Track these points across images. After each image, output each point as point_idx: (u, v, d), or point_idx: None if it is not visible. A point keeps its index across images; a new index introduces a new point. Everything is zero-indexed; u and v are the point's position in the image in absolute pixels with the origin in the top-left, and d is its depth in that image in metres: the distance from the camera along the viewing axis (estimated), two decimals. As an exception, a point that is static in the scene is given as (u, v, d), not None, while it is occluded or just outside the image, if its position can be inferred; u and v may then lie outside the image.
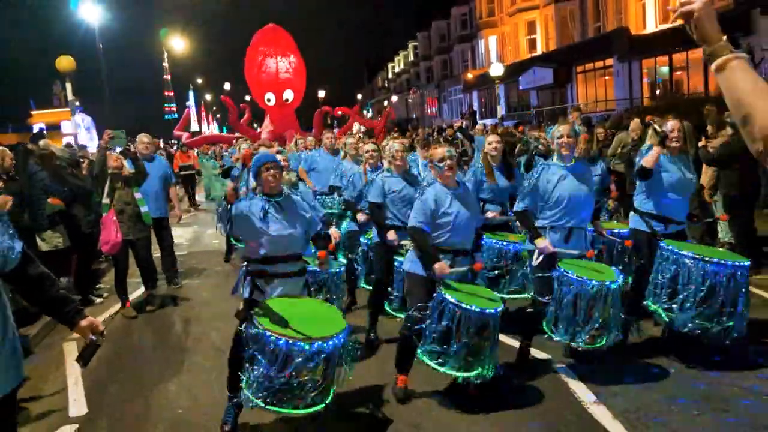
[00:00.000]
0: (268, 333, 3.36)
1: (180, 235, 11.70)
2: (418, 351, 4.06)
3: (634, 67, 24.67)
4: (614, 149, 9.34)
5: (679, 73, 23.00)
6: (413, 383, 4.35)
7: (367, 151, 6.21)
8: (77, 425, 4.24)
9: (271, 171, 3.93)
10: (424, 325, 4.02)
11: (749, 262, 4.41)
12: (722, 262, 4.30)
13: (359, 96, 61.31)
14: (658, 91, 23.88)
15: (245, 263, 3.97)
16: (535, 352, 4.88)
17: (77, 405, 4.55)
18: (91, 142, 18.72)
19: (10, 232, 2.51)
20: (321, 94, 51.08)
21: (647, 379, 4.39)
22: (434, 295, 4.04)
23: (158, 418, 4.29)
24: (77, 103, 18.57)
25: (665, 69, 23.53)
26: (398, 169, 5.36)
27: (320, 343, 3.36)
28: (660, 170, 4.80)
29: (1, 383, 2.43)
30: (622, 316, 4.51)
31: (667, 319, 4.53)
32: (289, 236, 3.88)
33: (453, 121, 33.06)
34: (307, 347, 3.33)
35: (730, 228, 7.15)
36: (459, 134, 15.27)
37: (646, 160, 4.79)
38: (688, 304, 4.34)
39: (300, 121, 24.92)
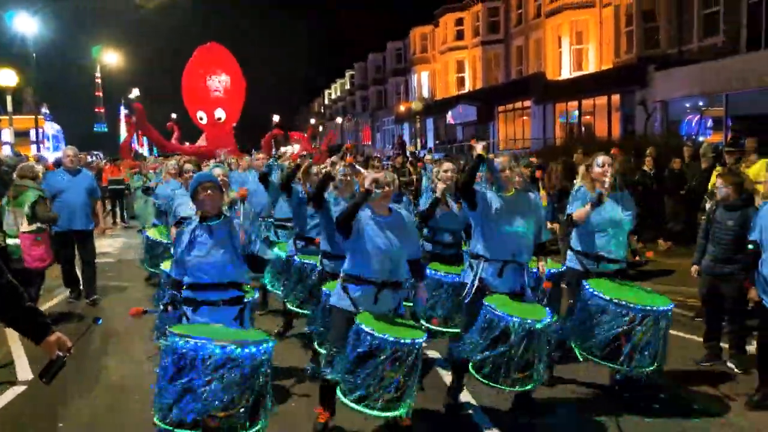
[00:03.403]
0: (177, 339, 3.12)
1: (110, 244, 12.23)
2: (338, 391, 3.72)
3: (548, 109, 26.76)
4: None
5: (587, 117, 25.15)
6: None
7: (316, 173, 5.71)
8: (26, 386, 4.99)
9: (209, 192, 3.73)
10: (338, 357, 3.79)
11: (672, 305, 4.41)
12: (639, 306, 4.27)
13: (312, 120, 61.77)
14: (576, 131, 25.80)
15: (167, 286, 3.84)
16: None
17: (23, 371, 5.30)
18: (58, 151, 18.60)
19: None
20: (275, 119, 50.89)
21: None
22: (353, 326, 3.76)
23: (96, 381, 5.08)
24: (47, 111, 18.62)
25: (575, 112, 25.65)
26: (343, 193, 5.08)
27: (233, 348, 3.09)
28: (597, 207, 4.66)
29: None
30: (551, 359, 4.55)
31: (581, 359, 4.52)
32: (214, 263, 3.66)
33: (386, 150, 34.38)
34: (218, 351, 3.07)
35: None
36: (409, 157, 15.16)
37: (578, 215, 4.74)
38: (602, 345, 4.32)
39: (252, 142, 24.49)
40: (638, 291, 4.67)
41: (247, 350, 3.13)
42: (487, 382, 4.06)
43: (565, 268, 5.19)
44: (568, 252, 5.03)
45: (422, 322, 4.78)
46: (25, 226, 6.60)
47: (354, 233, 3.96)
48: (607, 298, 4.36)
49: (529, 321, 3.97)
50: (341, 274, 4.12)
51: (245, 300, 3.88)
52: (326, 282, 4.84)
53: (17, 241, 6.52)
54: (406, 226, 4.14)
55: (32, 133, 22.02)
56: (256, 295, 5.19)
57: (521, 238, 4.40)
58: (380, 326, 3.69)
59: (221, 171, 5.34)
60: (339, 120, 56.81)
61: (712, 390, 5.01)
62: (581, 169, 4.98)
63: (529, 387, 4.13)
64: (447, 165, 5.67)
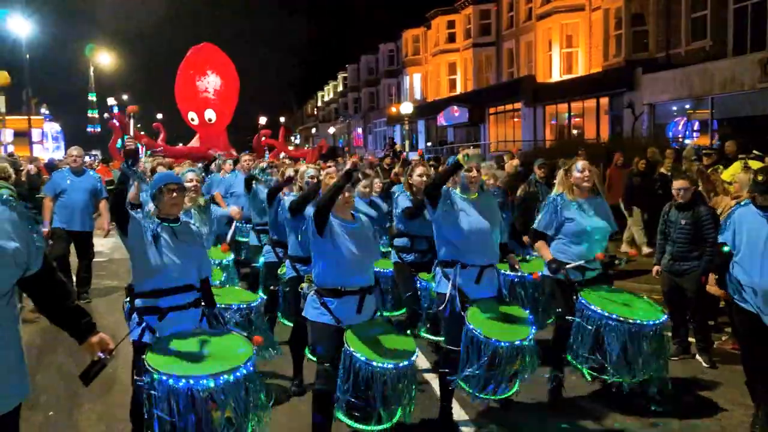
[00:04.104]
0: (164, 377, 3.00)
1: (102, 243, 12.28)
2: (336, 410, 3.66)
3: (538, 111, 26.99)
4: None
5: (577, 119, 25.39)
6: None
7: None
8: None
9: (174, 194, 3.63)
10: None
11: (665, 318, 4.44)
12: (641, 322, 4.26)
13: (282, 119, 61.73)
14: (567, 134, 26.03)
15: (128, 299, 3.60)
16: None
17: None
18: (57, 151, 18.63)
19: (38, 232, 2.42)
20: (262, 120, 50.65)
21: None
22: (341, 348, 3.66)
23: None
24: (46, 112, 18.70)
25: (564, 115, 25.88)
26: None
27: (225, 377, 3.04)
28: (571, 217, 4.62)
29: (13, 395, 2.35)
30: (551, 371, 4.57)
31: (589, 378, 4.44)
32: (182, 266, 3.55)
33: (377, 152, 34.51)
34: (212, 384, 3.00)
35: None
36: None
37: (539, 250, 4.73)
38: (609, 361, 4.24)
39: (243, 144, 24.49)
40: (630, 300, 4.61)
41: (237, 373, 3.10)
42: (477, 394, 4.06)
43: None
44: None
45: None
46: None
47: (326, 234, 3.81)
48: (607, 314, 4.27)
49: (517, 343, 3.97)
50: (315, 288, 3.93)
51: (252, 304, 3.96)
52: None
53: None
54: (369, 230, 4.06)
55: (34, 133, 21.98)
56: (262, 298, 5.10)
57: (490, 240, 4.36)
58: (370, 351, 3.58)
59: (194, 176, 5.23)
60: (331, 130, 56.81)
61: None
62: (559, 173, 4.85)
63: (512, 392, 4.17)
64: (420, 169, 5.64)
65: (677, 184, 5.73)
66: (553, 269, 4.53)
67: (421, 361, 5.67)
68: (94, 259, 8.49)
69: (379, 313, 4.11)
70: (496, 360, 3.95)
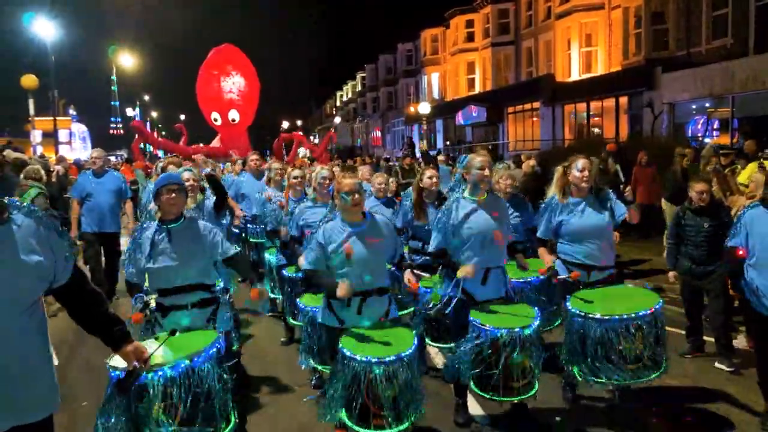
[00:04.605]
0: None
1: (123, 241, 12.53)
2: (341, 412, 3.58)
3: (557, 110, 26.92)
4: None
5: (596, 119, 25.30)
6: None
7: (295, 177, 5.84)
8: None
9: (173, 195, 3.67)
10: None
11: (661, 302, 4.19)
12: (630, 315, 4.03)
13: (299, 122, 62.56)
14: (585, 133, 25.94)
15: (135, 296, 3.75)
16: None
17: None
18: (85, 151, 18.96)
19: (69, 241, 2.42)
20: (285, 125, 50.92)
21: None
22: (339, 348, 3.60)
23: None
24: (74, 113, 19.10)
25: (583, 114, 25.80)
26: (323, 198, 4.99)
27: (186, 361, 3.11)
28: (572, 215, 4.57)
29: (42, 406, 2.33)
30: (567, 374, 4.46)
31: (580, 378, 4.30)
32: (178, 267, 3.62)
33: (395, 152, 34.66)
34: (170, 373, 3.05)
35: None
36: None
37: (542, 255, 4.70)
38: (599, 362, 4.07)
39: (262, 145, 24.72)
40: (622, 293, 4.46)
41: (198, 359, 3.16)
42: (489, 396, 4.03)
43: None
44: (556, 261, 4.77)
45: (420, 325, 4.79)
46: None
47: (331, 258, 3.81)
48: (593, 315, 4.08)
49: (516, 330, 3.91)
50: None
51: (220, 300, 3.89)
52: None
53: None
54: (381, 230, 3.94)
55: (62, 134, 22.35)
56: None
57: (496, 242, 4.28)
58: (365, 346, 3.54)
59: (191, 175, 5.25)
60: (337, 119, 56.77)
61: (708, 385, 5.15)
62: (558, 170, 4.73)
63: (531, 393, 4.05)
64: (430, 172, 5.62)
65: (699, 187, 5.61)
66: (551, 275, 4.52)
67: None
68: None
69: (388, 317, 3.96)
70: (498, 351, 3.90)
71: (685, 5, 19.77)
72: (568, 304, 4.31)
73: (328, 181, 4.98)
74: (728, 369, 5.45)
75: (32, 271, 2.21)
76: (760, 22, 17.15)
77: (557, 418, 4.65)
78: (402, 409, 3.46)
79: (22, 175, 7.47)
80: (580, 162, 4.58)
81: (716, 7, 18.65)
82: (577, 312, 4.19)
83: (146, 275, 3.73)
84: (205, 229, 3.80)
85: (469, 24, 36.39)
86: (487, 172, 4.28)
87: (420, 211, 5.42)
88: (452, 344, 4.44)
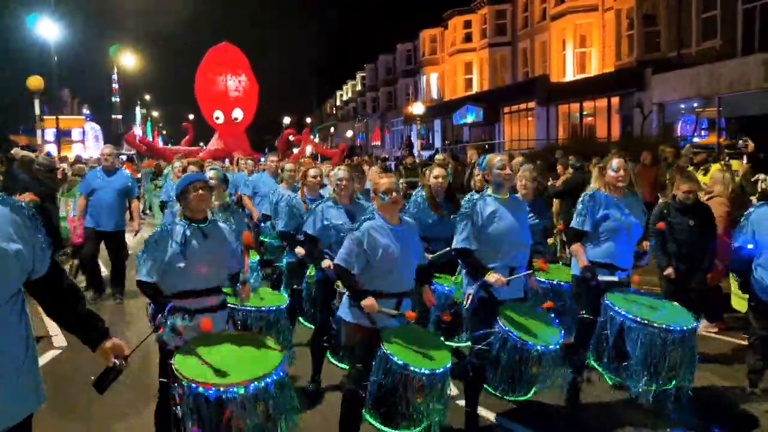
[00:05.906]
0: (194, 385, 2.96)
1: (127, 238, 12.88)
2: (365, 411, 3.61)
3: (551, 111, 27.35)
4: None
5: (589, 119, 25.72)
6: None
7: (314, 176, 5.74)
8: (61, 350, 5.68)
9: (200, 192, 3.51)
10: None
11: (697, 324, 4.23)
12: (671, 327, 4.05)
13: (308, 120, 63.10)
14: (579, 132, 26.30)
15: (153, 302, 3.52)
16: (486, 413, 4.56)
17: (58, 339, 6.00)
18: (98, 150, 19.33)
19: (43, 233, 2.31)
20: (286, 120, 50.79)
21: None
22: (376, 349, 3.60)
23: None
24: (87, 112, 19.46)
25: (577, 114, 26.21)
26: (342, 199, 4.87)
27: (256, 384, 3.01)
28: (607, 215, 4.47)
29: (21, 406, 2.22)
30: (570, 374, 4.39)
31: (611, 383, 4.27)
32: (211, 268, 3.51)
33: (394, 151, 35.03)
34: (242, 391, 2.96)
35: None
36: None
37: (575, 252, 4.58)
38: (634, 368, 4.08)
39: (262, 143, 25.12)
40: (661, 305, 4.43)
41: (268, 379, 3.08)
42: (501, 395, 4.11)
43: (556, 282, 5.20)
44: (573, 260, 4.76)
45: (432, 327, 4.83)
46: (71, 211, 8.34)
47: (369, 254, 3.75)
48: (632, 316, 4.13)
49: (552, 347, 3.96)
50: None
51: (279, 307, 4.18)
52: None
53: (66, 224, 8.41)
54: (415, 233, 4.02)
55: (74, 132, 22.64)
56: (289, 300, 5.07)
57: (520, 242, 4.26)
58: (407, 354, 3.55)
59: (214, 174, 5.25)
60: (349, 133, 57.18)
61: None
62: (595, 171, 4.71)
63: (531, 394, 4.12)
64: (438, 171, 5.61)
65: (686, 187, 5.58)
66: (588, 276, 4.43)
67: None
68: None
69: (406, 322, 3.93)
70: (525, 362, 3.95)
71: (676, 7, 20.15)
72: (608, 300, 4.29)
73: (345, 182, 4.86)
74: (712, 331, 5.68)
75: (12, 259, 2.13)
76: (746, 24, 17.56)
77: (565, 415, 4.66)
78: (425, 412, 3.53)
79: (69, 172, 8.29)
80: (615, 162, 4.50)
81: (706, 8, 19.04)
82: (621, 312, 4.18)
83: (159, 275, 3.47)
84: (228, 233, 3.68)
85: (467, 24, 36.79)
86: (508, 170, 4.23)
87: (436, 206, 5.44)
88: (455, 342, 4.51)
